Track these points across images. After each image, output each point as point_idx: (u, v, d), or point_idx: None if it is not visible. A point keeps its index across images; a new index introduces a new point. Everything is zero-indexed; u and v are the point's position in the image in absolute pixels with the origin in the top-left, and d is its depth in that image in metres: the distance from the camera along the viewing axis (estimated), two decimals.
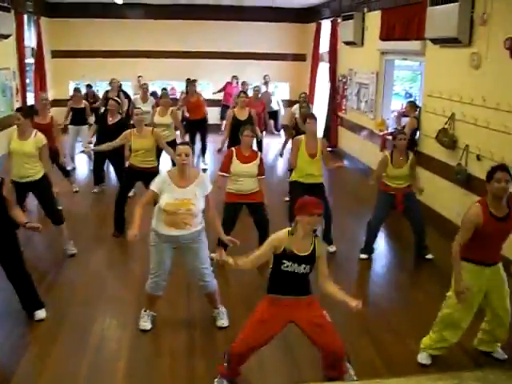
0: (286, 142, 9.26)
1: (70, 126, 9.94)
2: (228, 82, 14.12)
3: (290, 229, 3.68)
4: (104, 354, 4.36)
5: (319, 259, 3.71)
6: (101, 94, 12.35)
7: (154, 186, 4.43)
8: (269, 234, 5.93)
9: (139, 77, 13.37)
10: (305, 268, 3.63)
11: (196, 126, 10.63)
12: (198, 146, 10.68)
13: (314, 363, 4.12)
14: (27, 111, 6.14)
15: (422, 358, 4.27)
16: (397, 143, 6.12)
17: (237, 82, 13.97)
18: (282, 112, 13.85)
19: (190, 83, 11.29)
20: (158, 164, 7.32)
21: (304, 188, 6.19)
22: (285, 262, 3.61)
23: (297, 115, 9.63)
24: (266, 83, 13.70)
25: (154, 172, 6.76)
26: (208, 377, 4.00)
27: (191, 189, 4.37)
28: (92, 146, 8.70)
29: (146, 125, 7.14)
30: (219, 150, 8.77)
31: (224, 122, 10.33)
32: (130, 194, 7.28)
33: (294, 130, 8.53)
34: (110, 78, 11.37)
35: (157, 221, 4.45)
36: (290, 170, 8.61)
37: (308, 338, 3.77)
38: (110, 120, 8.19)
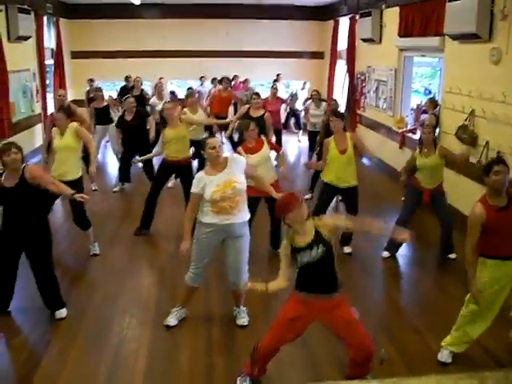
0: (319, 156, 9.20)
1: (97, 127, 9.92)
2: (240, 82, 14.18)
3: (286, 236, 3.68)
4: (123, 352, 4.40)
5: (333, 229, 3.68)
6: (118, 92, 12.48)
7: (194, 188, 4.43)
8: (281, 226, 6.01)
9: (161, 78, 13.45)
10: (318, 250, 3.54)
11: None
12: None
13: (333, 360, 4.12)
14: (68, 111, 6.43)
15: (443, 356, 4.25)
16: (422, 136, 6.12)
17: (243, 81, 14.06)
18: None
19: (226, 79, 11.42)
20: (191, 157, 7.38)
21: (334, 192, 6.20)
22: (297, 256, 3.58)
23: (312, 111, 9.67)
24: (275, 81, 13.65)
25: (188, 165, 6.89)
26: (227, 374, 4.02)
27: (227, 170, 4.44)
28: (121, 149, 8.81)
29: None
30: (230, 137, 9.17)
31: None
32: (170, 184, 7.32)
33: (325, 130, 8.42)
34: (124, 76, 11.48)
35: (205, 214, 4.45)
36: (309, 167, 8.61)
37: (336, 336, 3.75)
38: (128, 118, 8.32)
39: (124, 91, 11.74)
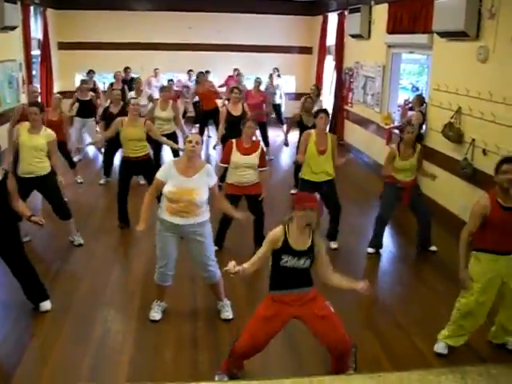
0: (287, 132, 9.21)
1: (76, 118, 9.89)
2: (230, 76, 14.05)
3: (285, 224, 3.65)
4: (108, 345, 4.38)
5: (318, 254, 3.69)
6: (105, 86, 12.40)
7: (160, 173, 4.47)
8: (264, 228, 6.02)
9: (156, 69, 13.37)
10: (304, 263, 3.61)
11: (210, 116, 10.79)
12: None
13: (317, 356, 4.14)
14: (42, 106, 6.21)
15: (439, 347, 4.31)
16: (405, 136, 6.10)
17: (237, 74, 13.91)
18: (283, 106, 13.81)
19: (201, 74, 11.37)
20: (159, 153, 7.34)
21: (313, 186, 6.18)
22: (283, 257, 3.59)
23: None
24: (278, 75, 13.57)
25: (148, 159, 6.86)
26: (211, 368, 4.02)
27: (196, 178, 4.41)
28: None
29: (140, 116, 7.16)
30: (214, 147, 9.02)
31: None
32: (142, 182, 7.28)
33: (297, 125, 8.47)
34: (115, 71, 11.37)
35: (161, 209, 4.49)
36: (295, 162, 8.64)
37: (312, 333, 3.77)
38: (114, 111, 8.28)
39: (124, 83, 11.66)
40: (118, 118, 6.92)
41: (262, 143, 6.20)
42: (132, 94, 10.16)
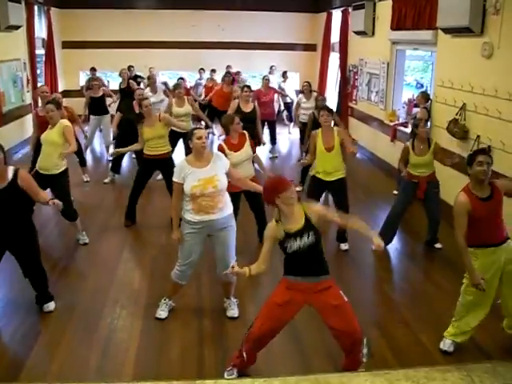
0: (307, 137, 9.17)
1: (91, 117, 9.86)
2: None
3: (276, 218, 3.68)
4: (114, 343, 4.40)
5: (320, 217, 3.70)
6: (111, 85, 12.42)
7: (176, 176, 4.45)
8: (266, 218, 6.02)
9: (150, 68, 13.36)
10: (309, 237, 3.59)
11: (217, 114, 10.69)
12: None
13: (323, 352, 4.14)
14: (57, 103, 6.36)
15: (445, 344, 4.30)
16: (419, 131, 6.11)
17: (235, 73, 13.92)
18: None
19: (229, 74, 11.27)
20: (172, 151, 7.35)
21: (323, 184, 6.17)
22: (287, 244, 3.61)
23: (303, 105, 9.66)
24: (270, 73, 13.62)
25: (168, 158, 6.84)
26: (217, 366, 4.04)
27: (211, 166, 4.43)
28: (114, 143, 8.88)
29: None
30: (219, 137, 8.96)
31: None
32: (160, 177, 7.30)
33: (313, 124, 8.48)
34: (120, 69, 11.36)
35: (187, 211, 4.46)
36: (299, 160, 8.66)
37: (324, 321, 3.76)
38: (138, 109, 8.25)
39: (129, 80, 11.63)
40: (139, 125, 6.86)
41: (246, 135, 6.10)
42: (147, 90, 9.99)
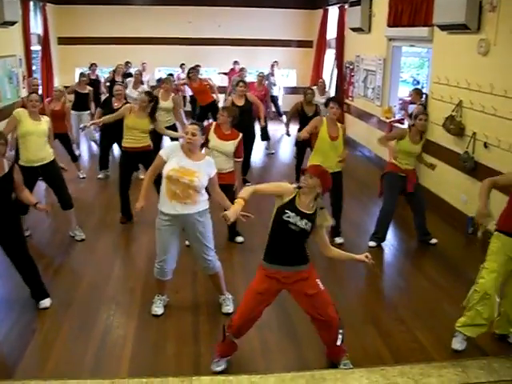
0: (288, 122, 9.30)
1: (71, 112, 9.85)
2: (231, 69, 14.06)
3: (296, 188, 3.76)
4: (110, 340, 4.39)
5: (320, 227, 3.78)
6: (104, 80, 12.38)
7: (163, 152, 4.48)
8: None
9: (143, 63, 13.34)
10: (306, 224, 3.66)
11: (208, 110, 10.69)
12: None
13: (319, 349, 4.14)
14: (41, 96, 6.32)
15: (457, 342, 4.25)
16: (417, 123, 6.15)
17: (240, 69, 13.87)
18: (280, 99, 13.82)
19: (192, 69, 11.15)
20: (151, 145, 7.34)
21: None
22: (287, 211, 3.66)
23: (316, 98, 9.69)
24: (271, 68, 13.62)
25: (149, 151, 6.83)
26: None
27: (198, 164, 4.43)
28: (97, 132, 8.81)
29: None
30: None
31: None
32: (142, 176, 7.26)
33: (296, 114, 8.61)
34: (116, 64, 11.32)
35: (162, 202, 4.48)
36: (296, 144, 8.73)
37: (301, 306, 3.86)
38: (116, 105, 8.17)
39: (127, 77, 11.59)
40: (127, 105, 6.88)
41: (240, 135, 6.09)
42: (130, 88, 10.07)
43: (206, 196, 4.58)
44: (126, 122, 6.74)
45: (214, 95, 10.85)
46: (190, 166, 4.38)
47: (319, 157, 6.12)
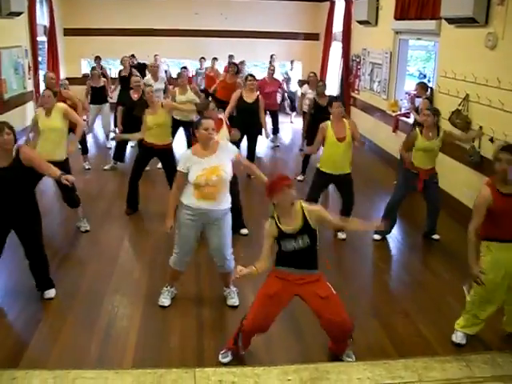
0: (306, 130, 9.07)
1: (90, 106, 9.96)
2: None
3: (272, 216, 3.70)
4: (114, 330, 4.41)
5: (321, 219, 3.74)
6: (112, 73, 12.38)
7: (180, 165, 4.42)
8: (240, 204, 6.11)
9: (156, 56, 13.32)
10: (304, 239, 3.65)
11: (223, 106, 10.56)
12: None
13: (322, 343, 4.14)
14: (56, 93, 6.29)
15: (457, 337, 4.28)
16: (424, 120, 6.10)
17: (240, 62, 13.78)
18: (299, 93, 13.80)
19: (234, 65, 11.02)
20: (172, 141, 7.32)
21: (329, 178, 6.17)
22: (282, 243, 3.67)
23: (309, 95, 9.60)
24: (271, 62, 13.54)
25: (169, 149, 6.82)
26: (217, 354, 4.03)
27: (217, 156, 4.40)
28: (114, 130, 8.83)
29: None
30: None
31: None
32: (147, 168, 7.28)
33: (311, 114, 8.52)
34: (122, 56, 11.29)
35: (187, 196, 4.44)
36: (306, 137, 8.67)
37: (313, 311, 3.82)
38: (136, 97, 8.21)
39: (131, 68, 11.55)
40: (147, 110, 6.79)
41: (224, 119, 6.10)
42: (149, 78, 9.95)
43: (229, 195, 4.57)
44: (146, 124, 6.71)
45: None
46: (212, 163, 4.34)
47: (328, 161, 6.16)
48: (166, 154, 6.82)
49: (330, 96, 8.55)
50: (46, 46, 12.72)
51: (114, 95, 10.65)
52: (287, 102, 13.60)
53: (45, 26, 12.67)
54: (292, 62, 13.79)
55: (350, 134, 6.09)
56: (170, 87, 9.62)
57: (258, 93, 8.58)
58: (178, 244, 4.62)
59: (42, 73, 12.10)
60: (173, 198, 4.57)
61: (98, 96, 9.91)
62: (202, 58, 13.69)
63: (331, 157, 6.13)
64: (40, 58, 12.31)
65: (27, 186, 4.60)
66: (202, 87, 12.60)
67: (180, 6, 14.40)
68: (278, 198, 3.60)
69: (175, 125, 7.87)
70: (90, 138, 10.52)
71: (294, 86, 13.47)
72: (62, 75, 13.14)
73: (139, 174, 6.97)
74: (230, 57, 13.31)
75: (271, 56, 13.54)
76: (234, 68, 10.91)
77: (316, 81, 10.01)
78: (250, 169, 4.93)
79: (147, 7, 14.30)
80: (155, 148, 6.77)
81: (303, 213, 3.67)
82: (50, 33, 12.76)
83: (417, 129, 6.20)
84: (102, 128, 10.50)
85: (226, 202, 4.50)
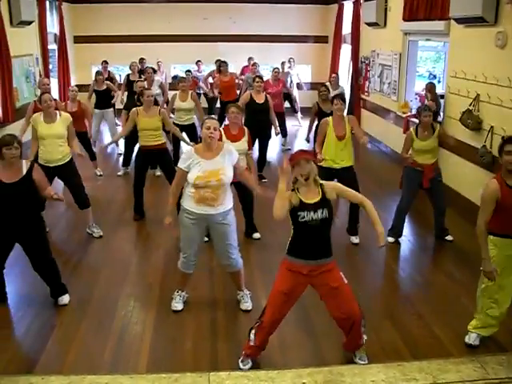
0: (310, 127, 9.10)
1: (95, 110, 9.94)
2: (245, 66, 13.98)
3: (293, 188, 3.75)
4: (128, 335, 4.43)
5: (339, 192, 3.81)
6: (121, 79, 12.41)
7: (181, 163, 4.43)
8: (253, 212, 6.12)
9: (158, 62, 13.37)
10: (322, 213, 3.65)
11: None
12: None
13: (336, 344, 4.14)
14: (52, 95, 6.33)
15: (471, 338, 4.24)
16: (422, 120, 6.09)
17: (253, 64, 13.79)
18: (295, 94, 13.69)
19: (223, 63, 11.22)
20: (177, 144, 7.36)
21: (332, 173, 6.16)
22: (300, 213, 3.65)
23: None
24: (289, 66, 13.53)
25: (164, 149, 6.91)
26: (230, 358, 4.05)
27: (218, 159, 4.40)
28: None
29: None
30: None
31: None
32: (158, 173, 7.29)
33: (315, 115, 8.50)
34: (131, 62, 11.35)
35: (186, 199, 4.46)
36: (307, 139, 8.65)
37: (324, 302, 3.84)
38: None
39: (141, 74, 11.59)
40: (132, 109, 6.93)
41: (246, 129, 6.09)
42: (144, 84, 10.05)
43: (231, 194, 4.58)
44: (137, 125, 6.78)
45: (238, 91, 10.86)
46: (213, 166, 4.34)
47: (328, 155, 6.15)
48: (162, 155, 6.87)
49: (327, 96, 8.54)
50: (57, 54, 12.82)
51: (119, 100, 10.65)
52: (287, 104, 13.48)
53: (55, 34, 12.78)
54: (290, 60, 13.44)
55: (349, 130, 6.11)
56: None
57: (265, 93, 8.63)
58: (183, 246, 4.65)
59: (53, 80, 12.22)
60: (171, 195, 4.60)
61: (101, 100, 9.92)
62: (199, 61, 13.66)
63: (331, 154, 6.13)
64: (51, 66, 12.40)
65: (35, 201, 4.62)
66: (202, 91, 12.71)
67: (189, 12, 14.48)
68: (295, 170, 3.66)
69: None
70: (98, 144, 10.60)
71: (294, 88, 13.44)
72: (73, 82, 13.25)
73: (142, 181, 6.99)
74: (250, 59, 13.39)
75: (289, 60, 13.41)
76: (224, 65, 11.08)
77: (337, 81, 10.08)
78: (244, 177, 4.86)
79: (156, 14, 14.40)
80: (151, 150, 6.80)
81: (321, 188, 3.72)
82: (61, 41, 12.87)
83: (411, 130, 6.22)
84: (108, 133, 10.54)
85: (226, 204, 4.49)
